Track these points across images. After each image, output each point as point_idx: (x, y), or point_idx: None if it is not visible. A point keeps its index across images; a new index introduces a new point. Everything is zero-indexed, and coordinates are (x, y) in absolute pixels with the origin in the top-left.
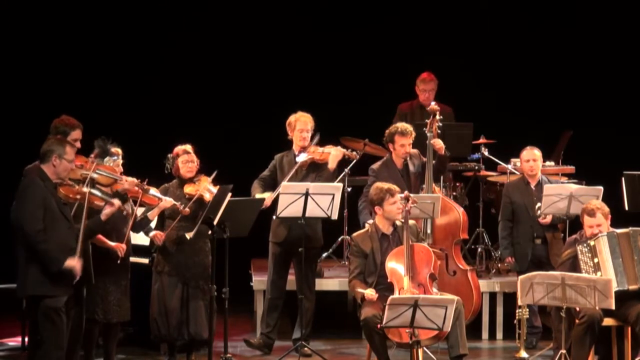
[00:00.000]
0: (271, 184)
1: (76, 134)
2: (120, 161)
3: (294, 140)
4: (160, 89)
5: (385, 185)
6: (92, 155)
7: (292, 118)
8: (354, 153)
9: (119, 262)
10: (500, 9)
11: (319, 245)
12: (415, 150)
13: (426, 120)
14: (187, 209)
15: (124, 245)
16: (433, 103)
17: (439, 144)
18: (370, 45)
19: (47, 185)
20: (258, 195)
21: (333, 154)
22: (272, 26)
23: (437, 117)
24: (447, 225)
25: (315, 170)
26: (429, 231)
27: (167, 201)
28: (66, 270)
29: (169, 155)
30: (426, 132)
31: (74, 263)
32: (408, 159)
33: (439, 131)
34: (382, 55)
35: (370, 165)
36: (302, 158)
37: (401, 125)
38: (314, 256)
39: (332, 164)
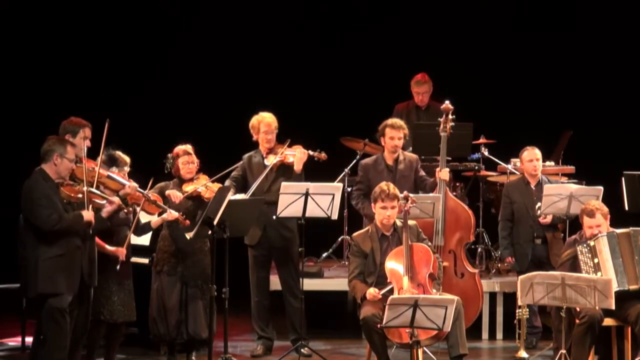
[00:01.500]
0: (242, 184)
1: (85, 132)
2: (127, 169)
3: (260, 142)
4: (159, 88)
5: (384, 187)
6: (99, 160)
7: (254, 120)
8: (323, 154)
9: (118, 267)
10: (500, 9)
11: (296, 244)
12: (414, 156)
13: (439, 119)
14: (187, 221)
15: (123, 249)
16: (447, 102)
17: (444, 175)
18: (371, 45)
19: (50, 185)
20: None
21: (298, 156)
22: (273, 27)
23: (450, 116)
24: (459, 227)
25: (285, 173)
26: (440, 234)
27: (172, 214)
28: (86, 222)
29: (169, 155)
30: (439, 131)
31: (89, 214)
32: (402, 158)
33: (452, 131)
34: (382, 55)
35: None
36: (271, 161)
37: (392, 120)
38: (292, 255)
39: (297, 166)
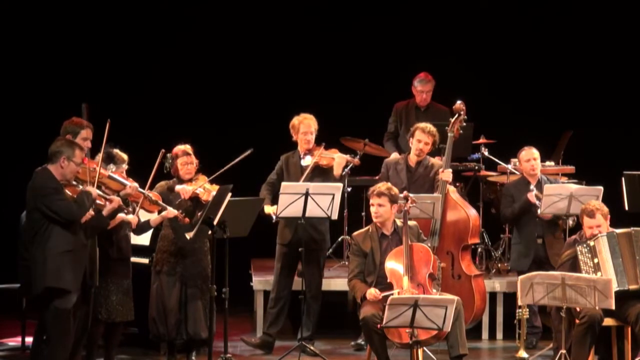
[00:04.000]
0: (279, 188)
1: (86, 133)
2: (125, 167)
3: (298, 143)
4: (160, 87)
5: (377, 185)
6: (100, 161)
7: (295, 121)
8: (356, 159)
9: (133, 228)
10: (500, 9)
11: (327, 247)
12: (439, 162)
13: (450, 119)
14: (187, 219)
15: (135, 218)
16: (459, 102)
17: (446, 176)
18: (370, 45)
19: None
20: (267, 209)
21: (337, 161)
22: (272, 26)
23: (462, 117)
24: (455, 227)
25: (320, 175)
26: (436, 235)
27: (171, 211)
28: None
29: (168, 155)
30: (447, 131)
31: (93, 189)
32: (426, 163)
33: (461, 131)
34: (382, 55)
35: (370, 166)
36: (307, 162)
37: (426, 124)
38: (321, 257)
39: (337, 171)
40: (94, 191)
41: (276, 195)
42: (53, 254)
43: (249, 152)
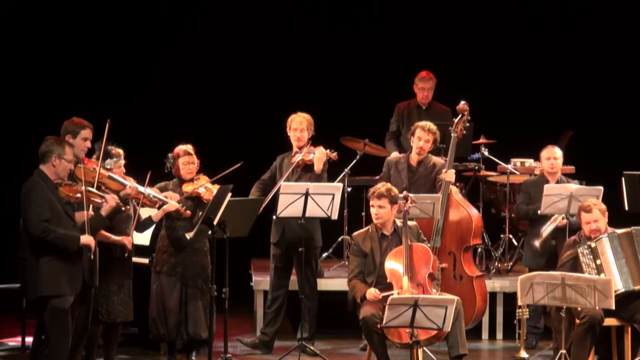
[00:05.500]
0: (271, 186)
1: (86, 133)
2: (122, 162)
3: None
4: (161, 87)
5: (377, 186)
6: (94, 157)
7: (289, 119)
8: (334, 154)
9: (126, 255)
10: (500, 9)
11: (316, 246)
12: (440, 161)
13: (453, 119)
14: (188, 212)
15: (130, 238)
16: (463, 102)
17: (449, 176)
18: (371, 45)
19: (49, 186)
20: None
21: (317, 156)
22: (273, 26)
23: (465, 117)
24: (458, 228)
25: (309, 171)
26: (438, 235)
27: (172, 205)
28: (83, 246)
29: (170, 155)
30: (451, 131)
31: (88, 239)
32: (427, 162)
33: (464, 132)
34: (382, 55)
35: (370, 166)
36: (296, 160)
37: (425, 122)
38: (312, 256)
39: (317, 166)
40: (87, 239)
41: (266, 194)
42: (46, 261)
43: (238, 165)
